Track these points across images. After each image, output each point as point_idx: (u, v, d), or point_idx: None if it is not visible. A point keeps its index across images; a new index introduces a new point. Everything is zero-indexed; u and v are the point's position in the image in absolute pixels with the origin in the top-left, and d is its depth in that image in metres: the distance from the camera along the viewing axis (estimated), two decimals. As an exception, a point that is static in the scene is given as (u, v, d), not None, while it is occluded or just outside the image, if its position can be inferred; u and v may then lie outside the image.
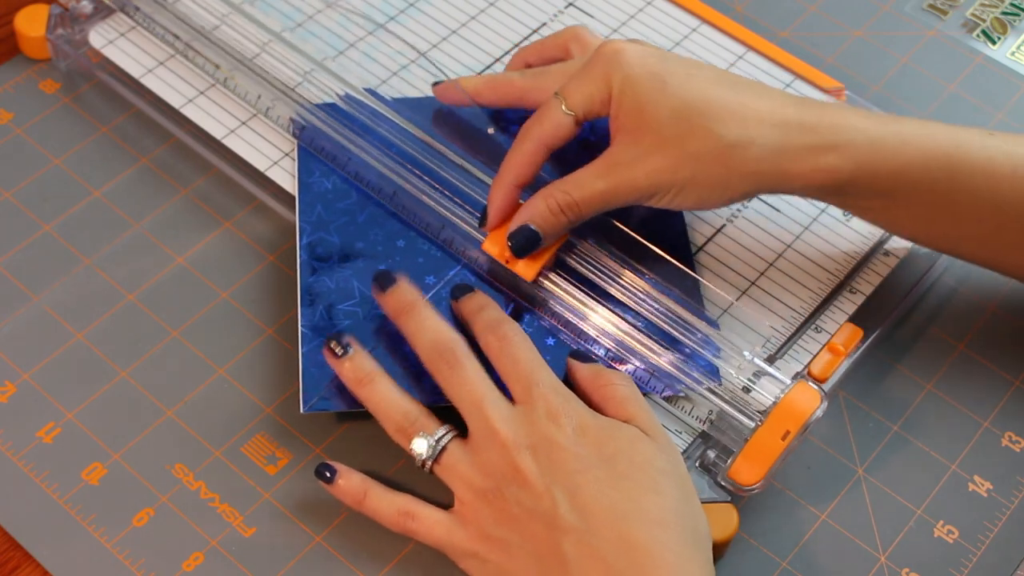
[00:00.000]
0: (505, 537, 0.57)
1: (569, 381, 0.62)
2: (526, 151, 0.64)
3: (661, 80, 0.62)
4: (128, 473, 0.62)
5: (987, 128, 0.66)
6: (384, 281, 0.64)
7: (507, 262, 0.65)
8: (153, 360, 0.66)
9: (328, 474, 0.60)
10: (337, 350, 0.62)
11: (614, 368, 0.63)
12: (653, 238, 0.67)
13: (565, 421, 0.58)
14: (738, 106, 0.61)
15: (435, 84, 0.73)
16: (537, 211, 0.63)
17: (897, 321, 0.69)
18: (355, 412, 0.63)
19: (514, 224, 0.64)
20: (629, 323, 0.65)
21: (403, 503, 0.59)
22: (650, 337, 0.65)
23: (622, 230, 0.68)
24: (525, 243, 0.64)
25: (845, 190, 0.63)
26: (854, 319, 0.68)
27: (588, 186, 0.63)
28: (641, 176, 0.62)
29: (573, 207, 0.63)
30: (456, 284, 0.66)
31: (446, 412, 0.61)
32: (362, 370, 0.61)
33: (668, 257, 0.67)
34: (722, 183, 0.62)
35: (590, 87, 0.63)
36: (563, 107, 0.63)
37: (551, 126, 0.64)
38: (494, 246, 0.65)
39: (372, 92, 0.75)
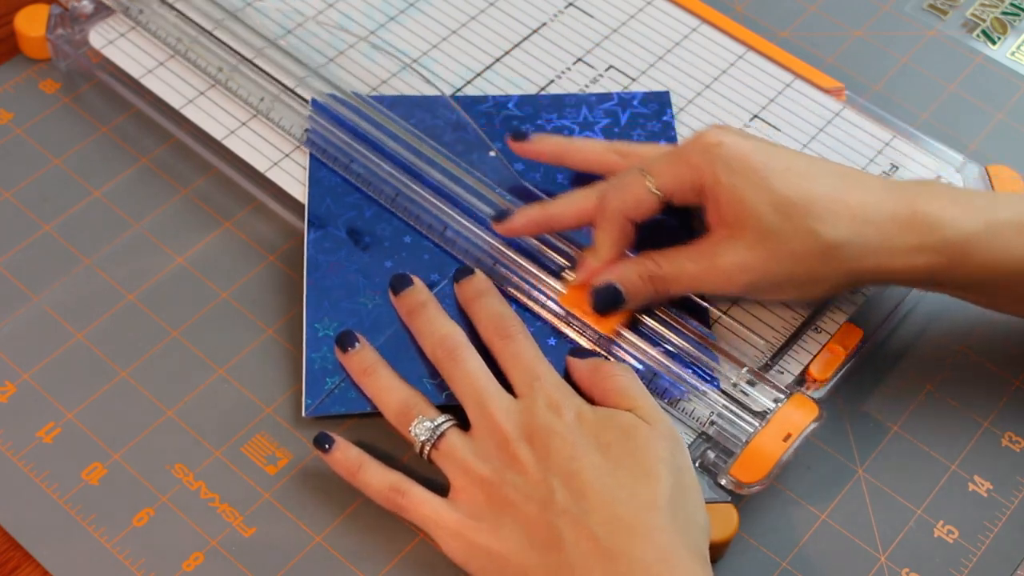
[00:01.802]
0: (496, 520, 0.57)
1: (570, 380, 0.62)
2: (614, 225, 0.64)
3: (761, 176, 0.61)
4: (128, 473, 0.62)
5: (988, 126, 0.66)
6: (398, 284, 0.66)
7: (585, 314, 0.65)
8: (153, 360, 0.66)
9: (326, 445, 0.61)
10: (345, 346, 0.63)
11: (612, 359, 0.63)
12: (661, 246, 0.67)
13: (565, 411, 0.59)
14: (837, 203, 0.61)
15: (495, 218, 0.67)
16: (626, 275, 0.64)
17: (897, 321, 0.69)
18: (355, 413, 0.63)
19: (601, 280, 0.64)
20: (629, 330, 0.65)
21: (395, 479, 0.60)
22: (649, 343, 0.65)
23: None
24: (610, 301, 0.64)
25: (940, 282, 0.64)
26: (854, 319, 0.68)
27: (682, 267, 0.63)
28: (738, 270, 0.62)
29: (661, 281, 0.63)
30: (458, 268, 0.67)
31: (449, 411, 0.61)
32: (366, 361, 0.63)
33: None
34: (821, 280, 0.63)
35: (682, 171, 0.63)
36: (649, 184, 0.63)
37: (633, 200, 0.63)
38: (573, 302, 0.65)
39: (369, 96, 0.75)
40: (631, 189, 0.63)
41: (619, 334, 0.65)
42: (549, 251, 0.67)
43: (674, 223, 0.67)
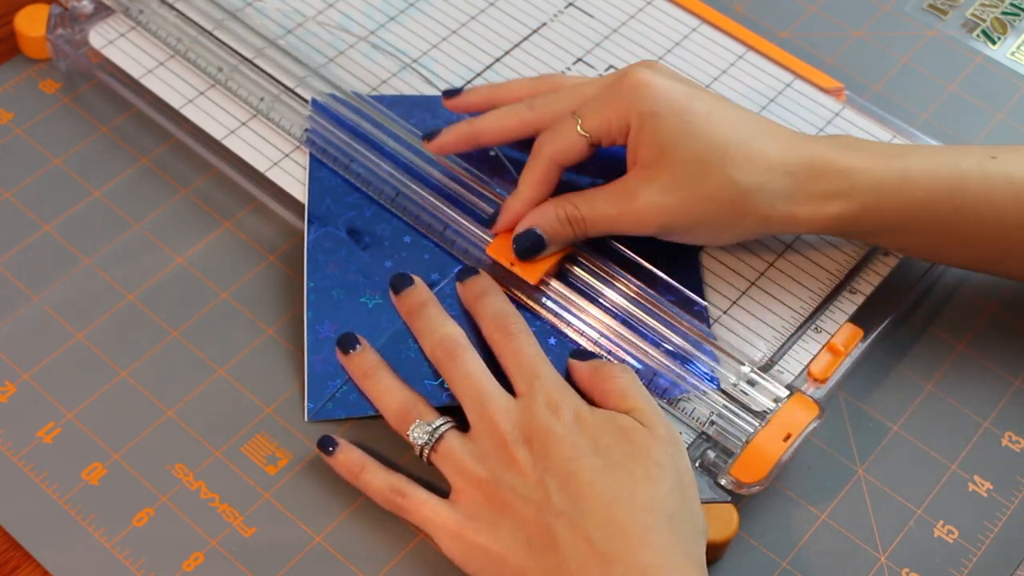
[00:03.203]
0: (495, 521, 0.57)
1: (571, 380, 0.62)
2: (541, 169, 0.65)
3: (683, 120, 0.63)
4: (128, 473, 0.62)
5: (988, 126, 0.66)
6: (399, 284, 0.66)
7: (511, 264, 0.65)
8: (153, 360, 0.66)
9: (330, 448, 0.61)
10: (347, 348, 0.64)
11: (613, 361, 0.63)
12: (660, 242, 0.67)
13: (564, 412, 0.59)
14: (754, 151, 0.63)
15: (424, 137, 0.69)
16: (545, 218, 0.65)
17: (897, 321, 0.69)
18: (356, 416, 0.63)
19: (521, 226, 0.65)
20: (629, 330, 0.65)
21: (396, 481, 0.60)
22: (649, 342, 0.65)
23: (628, 252, 0.68)
24: (530, 246, 0.65)
25: (850, 230, 0.65)
26: (854, 319, 0.68)
27: (599, 208, 0.64)
28: (653, 212, 0.63)
29: (580, 223, 0.64)
30: (462, 267, 0.67)
31: (450, 412, 0.61)
32: (367, 364, 0.63)
33: (676, 283, 0.68)
34: (732, 225, 0.64)
35: (610, 114, 0.64)
36: (579, 128, 0.64)
37: (564, 145, 0.64)
38: (499, 251, 0.66)
39: (369, 96, 0.75)
40: (563, 134, 0.64)
41: (547, 284, 0.65)
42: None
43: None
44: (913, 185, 0.63)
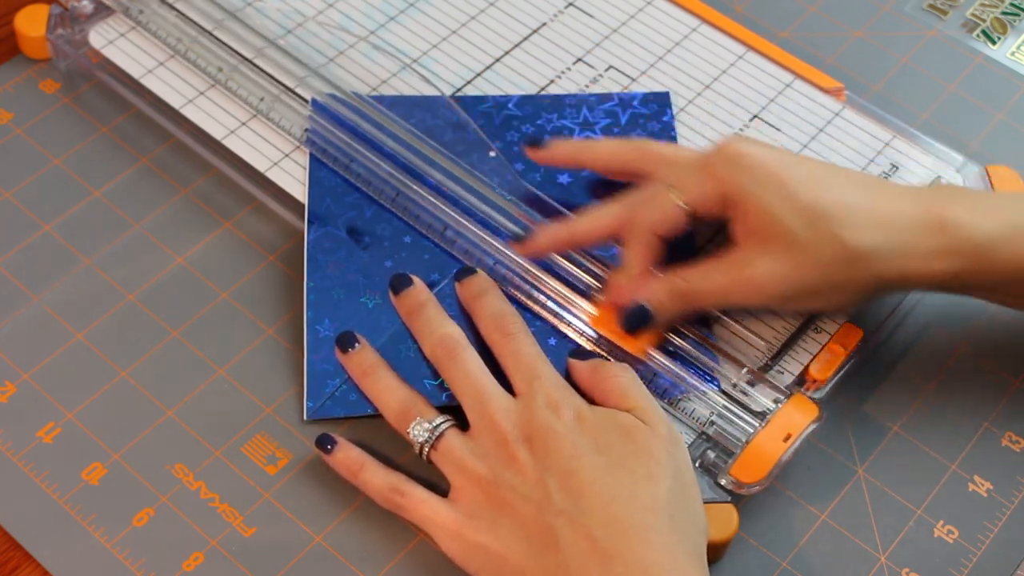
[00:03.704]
0: (495, 520, 0.57)
1: (571, 380, 0.62)
2: (643, 244, 0.64)
3: (785, 185, 0.62)
4: (128, 473, 0.62)
5: (988, 126, 0.66)
6: (399, 284, 0.66)
7: (619, 337, 0.65)
8: (153, 360, 0.66)
9: (329, 446, 0.61)
10: (345, 346, 0.64)
11: (613, 360, 0.63)
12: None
13: (564, 411, 0.59)
14: (861, 210, 0.62)
15: (515, 240, 0.67)
16: (654, 293, 0.64)
17: (897, 321, 0.69)
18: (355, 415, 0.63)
19: (629, 301, 0.64)
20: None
21: (395, 480, 0.60)
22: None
23: None
24: (637, 322, 0.64)
25: (964, 285, 0.64)
26: (854, 319, 0.68)
27: (711, 280, 0.63)
28: (768, 281, 0.62)
29: (689, 297, 0.63)
30: (461, 267, 0.67)
31: (450, 412, 0.61)
32: (366, 362, 0.63)
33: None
34: (848, 288, 0.63)
35: (708, 185, 0.63)
36: (679, 201, 0.63)
37: (663, 217, 0.63)
38: (604, 323, 0.65)
39: (369, 96, 0.75)
40: (659, 205, 0.63)
41: (649, 355, 0.65)
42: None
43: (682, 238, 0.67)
44: (1023, 238, 0.62)
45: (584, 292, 0.66)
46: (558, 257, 0.67)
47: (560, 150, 0.69)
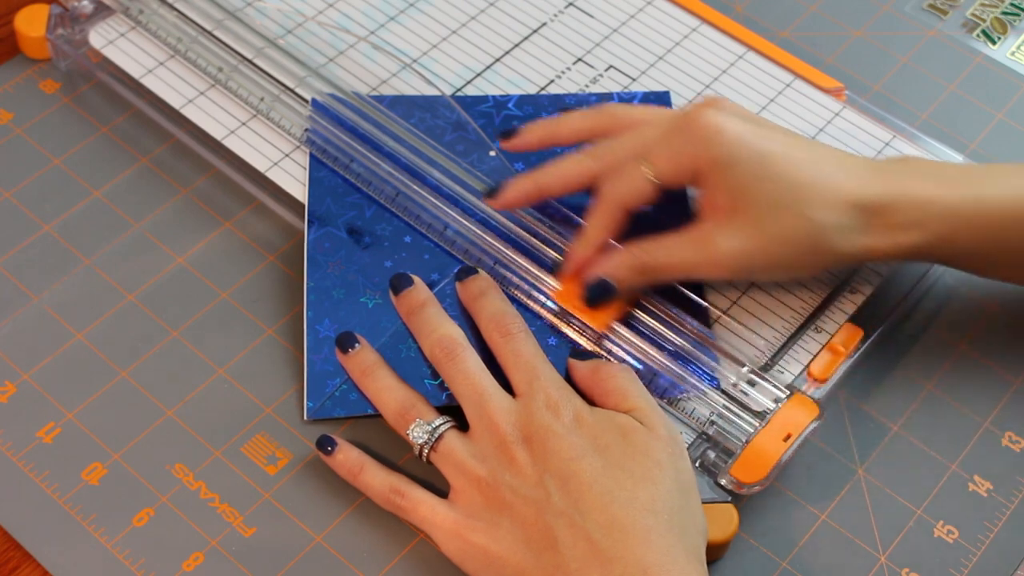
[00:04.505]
0: (494, 521, 0.57)
1: (571, 380, 0.62)
2: (608, 214, 0.64)
3: (759, 165, 0.62)
4: (128, 473, 0.62)
5: (988, 125, 0.66)
6: (399, 284, 0.66)
7: (579, 311, 0.65)
8: (153, 360, 0.66)
9: (329, 448, 0.61)
10: (345, 346, 0.64)
11: (613, 360, 0.63)
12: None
13: (563, 411, 0.58)
14: (829, 189, 0.62)
15: (487, 195, 0.68)
16: (616, 266, 0.64)
17: (897, 321, 0.69)
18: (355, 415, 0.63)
19: (591, 275, 0.64)
20: (629, 330, 0.65)
21: (395, 481, 0.60)
22: (649, 343, 0.65)
23: None
24: (600, 295, 0.64)
25: (925, 257, 0.65)
26: (854, 319, 0.68)
27: (675, 255, 0.63)
28: (733, 257, 0.63)
29: (653, 270, 0.64)
30: (461, 267, 0.67)
31: (450, 412, 0.61)
32: (366, 362, 0.63)
33: (676, 284, 0.67)
34: (810, 263, 0.64)
35: (681, 160, 0.63)
36: (649, 175, 0.63)
37: (631, 189, 0.63)
38: (567, 297, 0.65)
39: (369, 96, 0.75)
40: (629, 178, 0.64)
41: (613, 330, 0.65)
42: (546, 248, 0.67)
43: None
44: (988, 212, 0.63)
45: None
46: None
47: (532, 133, 0.69)
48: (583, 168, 0.65)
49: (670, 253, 0.63)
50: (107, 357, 0.66)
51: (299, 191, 0.71)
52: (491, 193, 0.68)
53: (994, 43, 0.83)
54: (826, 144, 0.67)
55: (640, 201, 0.64)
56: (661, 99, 0.76)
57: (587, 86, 0.77)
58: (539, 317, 0.66)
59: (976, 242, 0.64)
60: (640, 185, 0.63)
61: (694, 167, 0.63)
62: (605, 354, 0.64)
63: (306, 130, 0.72)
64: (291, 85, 0.74)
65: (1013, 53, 0.83)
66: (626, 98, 0.76)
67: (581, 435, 0.58)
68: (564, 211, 0.69)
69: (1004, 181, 0.64)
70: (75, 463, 0.62)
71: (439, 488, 0.60)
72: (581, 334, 0.65)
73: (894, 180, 0.64)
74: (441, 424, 0.60)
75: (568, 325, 0.65)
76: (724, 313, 0.68)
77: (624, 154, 0.64)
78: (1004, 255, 0.65)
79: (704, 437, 0.64)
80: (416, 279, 0.66)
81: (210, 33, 0.76)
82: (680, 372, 0.64)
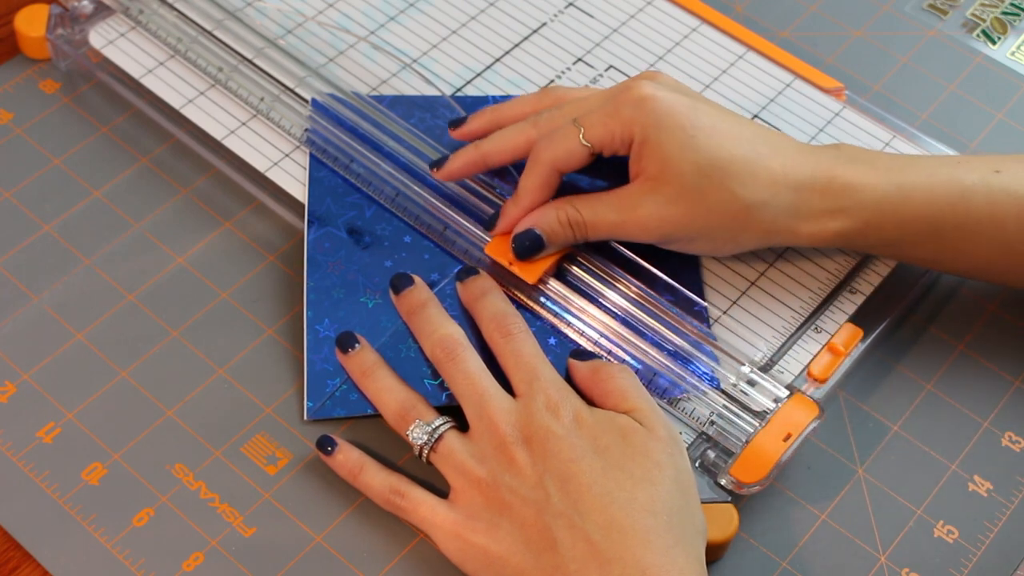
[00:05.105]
0: (494, 522, 0.57)
1: (571, 381, 0.62)
2: (541, 175, 0.65)
3: (687, 134, 0.63)
4: (128, 473, 0.62)
5: (988, 126, 0.66)
6: (399, 284, 0.66)
7: (510, 264, 0.65)
8: (153, 360, 0.66)
9: (329, 448, 0.62)
10: (345, 347, 0.64)
11: (613, 361, 0.63)
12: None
13: (563, 412, 0.59)
14: (758, 166, 0.63)
15: (432, 165, 0.69)
16: (546, 219, 0.65)
17: (897, 321, 0.69)
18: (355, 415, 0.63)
19: (521, 226, 0.65)
20: (629, 330, 0.65)
21: (395, 482, 0.60)
22: (649, 343, 0.65)
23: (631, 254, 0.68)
24: (529, 246, 0.65)
25: (852, 243, 0.66)
26: (854, 319, 0.68)
27: (601, 214, 0.64)
28: (655, 222, 0.64)
29: (581, 227, 0.65)
30: (462, 267, 0.67)
31: (450, 412, 0.61)
32: (366, 362, 0.63)
33: (676, 284, 0.68)
34: (734, 238, 0.65)
35: (613, 125, 0.64)
36: (581, 137, 0.64)
37: (564, 152, 0.64)
38: (498, 251, 0.66)
39: (369, 96, 0.75)
40: (563, 141, 0.64)
41: (547, 284, 0.66)
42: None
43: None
44: (914, 201, 0.64)
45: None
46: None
47: (479, 120, 0.70)
48: (525, 136, 0.67)
49: (595, 212, 0.65)
50: (107, 357, 0.66)
51: (299, 191, 0.71)
52: (436, 164, 0.69)
53: (994, 43, 0.83)
54: (762, 124, 0.68)
55: (572, 163, 0.65)
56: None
57: (587, 86, 0.77)
58: (539, 318, 0.66)
59: (901, 231, 0.64)
60: (571, 146, 0.64)
61: (625, 134, 0.64)
62: (605, 354, 0.64)
63: (306, 130, 0.72)
64: (291, 85, 0.74)
65: (1013, 53, 0.83)
66: (626, 98, 0.76)
67: (581, 436, 0.58)
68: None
69: (934, 171, 0.65)
70: (75, 463, 0.62)
71: (439, 488, 0.60)
72: (582, 335, 0.65)
73: (824, 165, 0.64)
74: (441, 424, 0.60)
75: (568, 326, 0.65)
76: (724, 313, 0.68)
77: (562, 120, 0.66)
78: (929, 245, 0.65)
79: (704, 437, 0.64)
80: (416, 279, 0.66)
81: (210, 33, 0.76)
82: (680, 372, 0.64)
